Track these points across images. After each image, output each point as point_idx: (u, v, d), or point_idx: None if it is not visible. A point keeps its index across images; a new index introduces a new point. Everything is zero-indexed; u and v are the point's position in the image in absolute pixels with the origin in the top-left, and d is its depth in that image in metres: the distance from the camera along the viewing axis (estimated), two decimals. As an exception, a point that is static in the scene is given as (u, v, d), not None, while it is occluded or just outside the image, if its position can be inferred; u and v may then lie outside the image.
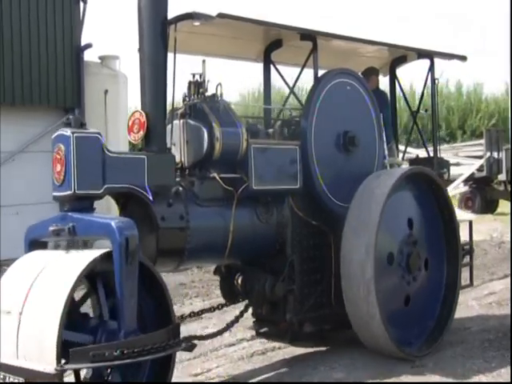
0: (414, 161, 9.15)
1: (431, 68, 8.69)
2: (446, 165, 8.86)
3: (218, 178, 6.56)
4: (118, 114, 16.76)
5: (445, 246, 7.83)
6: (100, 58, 17.48)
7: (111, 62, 17.58)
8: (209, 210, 6.65)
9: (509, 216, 19.43)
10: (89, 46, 16.30)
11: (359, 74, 8.74)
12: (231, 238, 6.64)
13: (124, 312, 5.37)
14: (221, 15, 6.46)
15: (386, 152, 7.97)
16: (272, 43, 7.95)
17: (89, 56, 16.90)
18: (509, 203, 23.14)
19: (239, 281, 7.28)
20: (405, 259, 7.30)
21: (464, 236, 8.28)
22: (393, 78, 9.07)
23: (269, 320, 7.54)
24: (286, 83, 8.10)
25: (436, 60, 8.67)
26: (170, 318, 5.83)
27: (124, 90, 17.80)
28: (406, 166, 8.77)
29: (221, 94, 6.87)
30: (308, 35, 7.35)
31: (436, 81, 8.68)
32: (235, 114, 6.80)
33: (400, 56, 8.89)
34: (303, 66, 7.70)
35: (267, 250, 7.14)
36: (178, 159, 6.62)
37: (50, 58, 15.90)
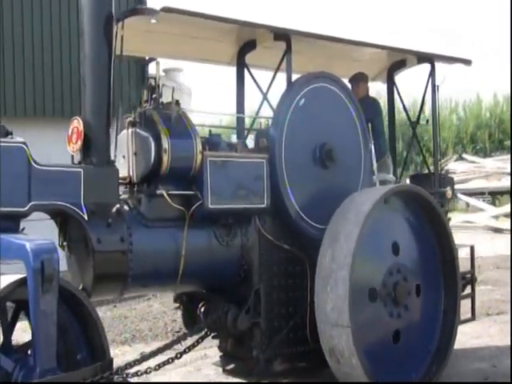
0: (415, 177, 8.56)
1: (432, 73, 8.11)
2: (449, 182, 8.26)
3: (165, 195, 6.06)
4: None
5: (442, 275, 7.23)
6: (164, 70, 17.69)
7: (175, 75, 17.95)
8: (157, 232, 6.15)
9: None
10: (153, 59, 16.37)
11: (347, 80, 8.31)
12: (183, 263, 6.14)
13: (39, 347, 4.93)
14: (166, 9, 6.00)
15: (375, 167, 7.42)
16: (245, 45, 7.45)
17: (153, 69, 16.87)
18: None
19: (202, 310, 6.80)
20: (391, 290, 6.72)
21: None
22: (391, 85, 8.51)
23: (235, 356, 7.02)
24: (260, 88, 7.60)
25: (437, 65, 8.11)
26: (103, 352, 5.41)
27: (188, 103, 17.82)
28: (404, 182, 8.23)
29: (176, 101, 6.43)
30: (282, 35, 6.86)
31: (437, 87, 8.11)
32: (190, 123, 6.31)
33: (398, 61, 8.33)
34: (276, 70, 7.18)
35: (230, 277, 6.61)
36: (126, 173, 6.21)
37: (115, 71, 15.81)
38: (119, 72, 15.24)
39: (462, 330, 8.19)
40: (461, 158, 33.50)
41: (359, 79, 8.53)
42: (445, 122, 37.00)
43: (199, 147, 6.18)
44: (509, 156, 31.31)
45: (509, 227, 23.60)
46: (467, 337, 9.03)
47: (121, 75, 15.39)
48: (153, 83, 6.48)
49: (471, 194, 28.40)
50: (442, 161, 32.68)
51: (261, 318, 6.59)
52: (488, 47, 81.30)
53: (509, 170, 28.26)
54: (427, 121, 8.40)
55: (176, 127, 6.18)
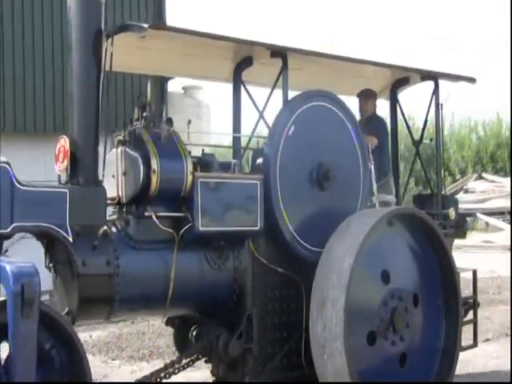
0: (418, 198, 8.43)
1: (436, 91, 8.00)
2: (452, 202, 8.13)
3: (154, 217, 5.98)
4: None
5: (443, 300, 7.11)
6: (183, 88, 17.78)
7: (194, 93, 18.15)
8: (145, 254, 6.07)
9: None
10: (172, 76, 16.67)
11: (357, 96, 8.26)
12: (172, 287, 6.05)
13: (19, 372, 4.86)
14: (154, 26, 5.95)
15: (375, 188, 7.32)
16: (242, 61, 7.36)
17: (172, 87, 17.22)
18: None
19: (193, 334, 6.71)
20: (388, 323, 6.58)
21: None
22: (394, 103, 8.40)
23: (227, 381, 6.91)
24: (256, 106, 7.52)
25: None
26: (84, 376, 5.31)
27: (207, 120, 18.24)
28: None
29: (168, 119, 6.37)
30: (278, 52, 6.77)
31: (441, 105, 8.00)
32: (181, 143, 6.23)
33: (401, 78, 8.23)
34: (273, 87, 7.07)
35: (222, 301, 6.51)
36: (115, 193, 6.15)
37: (135, 88, 15.93)
38: (139, 88, 15.53)
39: (481, 350, 8.27)
40: (480, 177, 33.21)
41: (367, 96, 8.49)
42: (464, 140, 36.87)
43: (190, 168, 6.10)
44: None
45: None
46: (487, 358, 8.95)
47: (140, 91, 15.70)
48: (144, 100, 6.41)
49: (491, 213, 28.14)
50: (460, 180, 32.45)
51: (253, 344, 6.48)
52: (488, 54, 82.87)
53: None
54: (431, 139, 8.28)
55: (166, 147, 6.10)
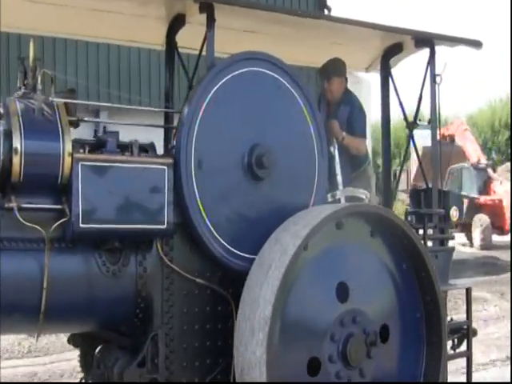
0: (414, 193, 7.12)
1: (431, 60, 6.68)
2: (454, 200, 6.78)
3: (15, 209, 4.96)
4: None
5: (424, 327, 5.88)
6: None
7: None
8: (10, 257, 5.00)
9: None
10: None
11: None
12: (46, 298, 5.02)
13: None
14: None
15: (340, 179, 6.14)
16: (174, 21, 6.31)
17: None
18: None
19: (97, 355, 5.71)
20: (341, 346, 5.42)
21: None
22: (385, 76, 7.07)
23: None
24: (187, 74, 6.47)
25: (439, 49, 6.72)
26: None
27: (368, 97, 18.43)
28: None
29: (70, 90, 5.37)
30: (206, 4, 5.67)
31: (438, 78, 6.69)
32: (62, 118, 5.17)
33: (393, 44, 6.90)
34: (200, 50, 6.00)
35: (124, 317, 5.42)
36: None
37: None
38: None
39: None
40: None
41: (331, 71, 7.38)
42: None
43: (68, 148, 5.02)
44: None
45: None
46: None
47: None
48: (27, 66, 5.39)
49: None
50: None
51: (159, 374, 5.41)
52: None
53: None
54: (429, 121, 6.89)
55: (37, 122, 5.06)
